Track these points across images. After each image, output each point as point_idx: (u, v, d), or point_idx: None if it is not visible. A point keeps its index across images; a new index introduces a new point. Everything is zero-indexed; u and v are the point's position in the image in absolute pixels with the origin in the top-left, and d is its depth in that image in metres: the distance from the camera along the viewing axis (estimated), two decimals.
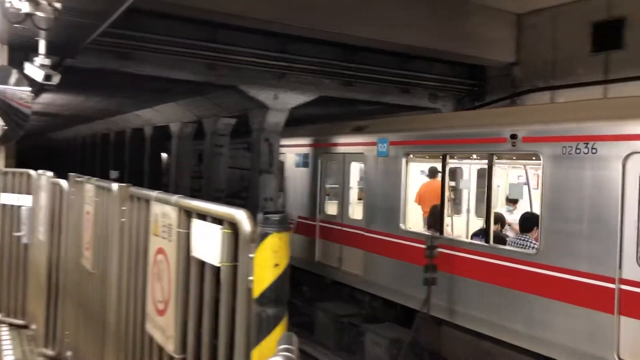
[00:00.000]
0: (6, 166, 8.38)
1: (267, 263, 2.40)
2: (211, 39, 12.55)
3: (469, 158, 10.11)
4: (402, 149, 9.37)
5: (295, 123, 15.17)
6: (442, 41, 13.64)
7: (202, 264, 2.94)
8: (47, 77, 7.64)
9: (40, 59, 7.63)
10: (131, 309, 3.84)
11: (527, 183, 10.08)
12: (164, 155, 28.01)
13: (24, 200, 6.65)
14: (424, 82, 15.53)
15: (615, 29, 13.13)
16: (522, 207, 9.89)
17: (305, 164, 12.16)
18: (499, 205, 10.08)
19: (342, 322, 10.31)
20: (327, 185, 11.64)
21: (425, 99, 15.92)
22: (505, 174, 10.63)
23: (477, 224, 10.09)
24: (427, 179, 10.79)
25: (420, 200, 10.37)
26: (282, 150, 13.35)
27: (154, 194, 3.57)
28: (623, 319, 5.90)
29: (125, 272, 3.94)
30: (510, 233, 9.09)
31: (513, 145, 7.32)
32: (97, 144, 30.76)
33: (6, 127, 8.19)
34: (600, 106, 7.37)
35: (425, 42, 13.42)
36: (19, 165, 8.24)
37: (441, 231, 8.68)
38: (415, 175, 10.50)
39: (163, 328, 3.29)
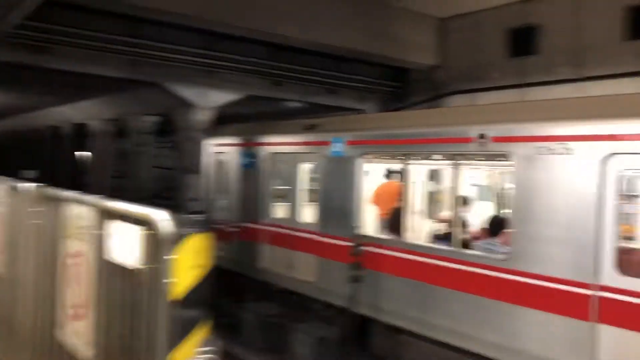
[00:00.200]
0: None
1: (188, 265, 2.35)
2: (134, 34, 12.18)
3: (430, 159, 9.58)
4: (360, 148, 8.88)
5: (238, 120, 14.79)
6: (368, 44, 13.92)
7: (121, 266, 2.85)
8: None
9: None
10: (42, 314, 3.66)
11: (479, 184, 9.80)
12: (84, 154, 26.94)
13: None
14: (351, 84, 15.77)
15: (530, 35, 13.83)
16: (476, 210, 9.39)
17: (250, 164, 11.33)
18: (445, 208, 9.65)
19: (269, 321, 10.27)
20: (276, 187, 10.92)
21: (352, 100, 16.16)
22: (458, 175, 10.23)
23: (431, 226, 9.49)
24: (385, 180, 10.55)
25: (376, 201, 10.00)
26: (224, 149, 12.22)
27: (69, 194, 3.42)
28: (600, 326, 5.74)
29: (36, 276, 3.76)
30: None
31: (481, 146, 7.03)
32: (12, 142, 29.20)
33: None
34: (576, 105, 7.12)
35: (352, 44, 13.67)
36: None
37: (402, 235, 8.28)
38: (373, 176, 9.91)
39: (80, 333, 3.16)
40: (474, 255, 7.17)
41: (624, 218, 6.26)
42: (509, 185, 8.28)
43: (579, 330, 5.88)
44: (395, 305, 8.00)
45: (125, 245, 2.72)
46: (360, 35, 13.64)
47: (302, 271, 9.78)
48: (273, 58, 14.29)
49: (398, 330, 8.01)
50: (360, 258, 8.38)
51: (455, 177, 7.60)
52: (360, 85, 15.97)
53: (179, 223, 2.40)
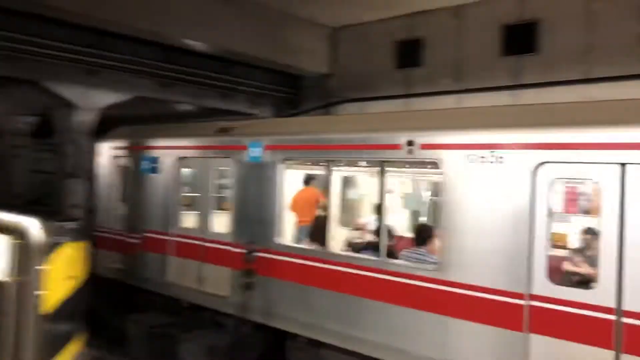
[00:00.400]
0: None
1: (61, 276, 2.19)
2: (6, 27, 11.31)
3: (356, 165, 9.45)
4: (280, 154, 8.47)
5: (140, 122, 13.98)
6: (260, 48, 13.94)
7: None
8: None
9: None
10: None
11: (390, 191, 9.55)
12: None
13: None
14: (244, 88, 15.68)
15: (416, 48, 14.50)
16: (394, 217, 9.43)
17: (153, 170, 10.52)
18: (363, 215, 9.77)
19: (155, 332, 9.90)
20: (184, 194, 10.29)
21: (245, 104, 16.06)
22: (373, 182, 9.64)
23: (345, 234, 9.44)
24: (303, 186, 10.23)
25: (294, 208, 9.75)
26: (123, 153, 11.43)
27: None
28: (533, 336, 5.74)
29: None
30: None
31: (409, 153, 6.96)
32: None
33: None
34: (508, 113, 7.14)
35: (241, 48, 13.63)
36: None
37: (326, 245, 7.99)
38: (293, 183, 9.61)
39: None
40: (401, 265, 7.00)
41: (554, 227, 6.38)
42: (438, 193, 8.16)
43: (513, 340, 5.86)
44: (315, 319, 7.70)
45: None
46: (250, 40, 13.62)
47: (214, 285, 9.22)
48: (164, 59, 13.85)
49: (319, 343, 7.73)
50: (253, 265, 8.35)
51: (381, 185, 7.44)
52: (252, 89, 15.92)
53: (52, 231, 2.23)
